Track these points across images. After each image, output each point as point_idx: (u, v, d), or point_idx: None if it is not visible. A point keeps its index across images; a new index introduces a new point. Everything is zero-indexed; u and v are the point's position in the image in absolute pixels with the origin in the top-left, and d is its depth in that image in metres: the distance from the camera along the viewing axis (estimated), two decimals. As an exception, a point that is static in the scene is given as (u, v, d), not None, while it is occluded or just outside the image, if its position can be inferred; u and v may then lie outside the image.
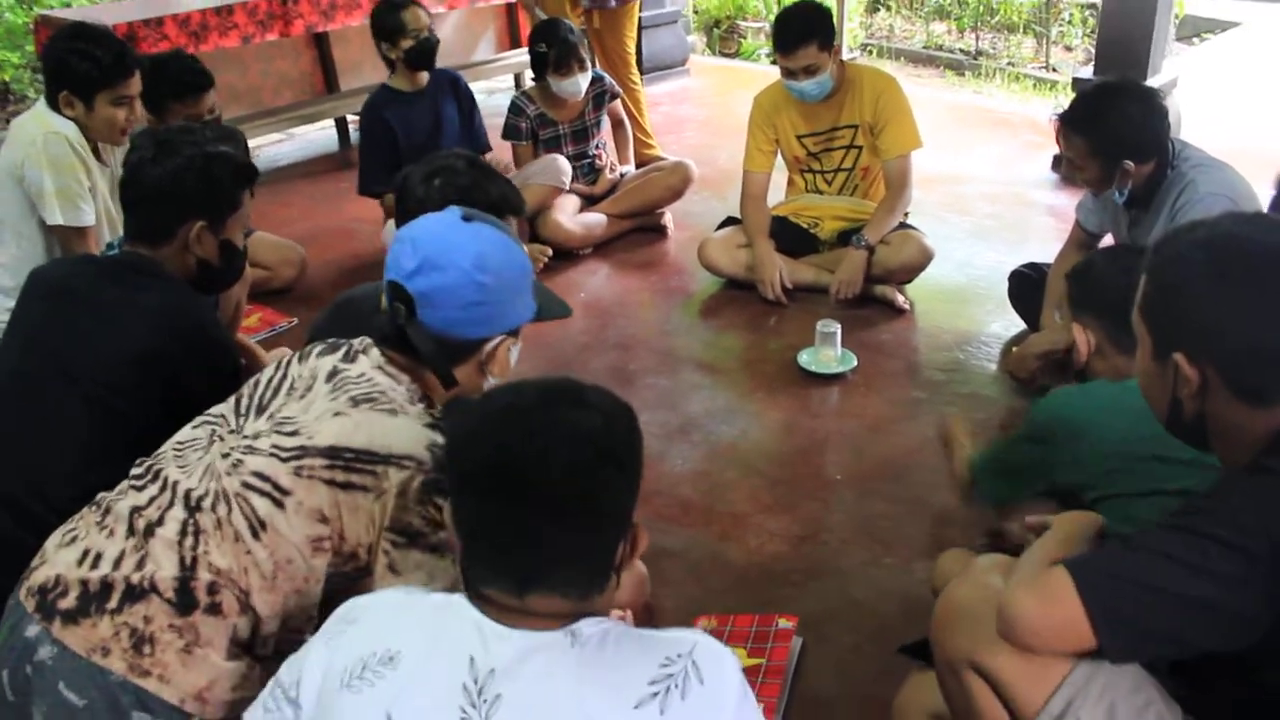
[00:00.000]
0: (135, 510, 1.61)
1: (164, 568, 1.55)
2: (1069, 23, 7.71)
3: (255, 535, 1.56)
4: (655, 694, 1.16)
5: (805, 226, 3.88)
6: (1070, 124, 2.81)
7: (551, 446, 1.19)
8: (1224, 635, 1.34)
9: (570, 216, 4.21)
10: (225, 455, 1.63)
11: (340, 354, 1.69)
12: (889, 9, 8.59)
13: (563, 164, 4.19)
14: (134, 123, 3.01)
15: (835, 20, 6.39)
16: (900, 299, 3.68)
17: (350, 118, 5.86)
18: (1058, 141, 2.90)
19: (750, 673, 2.11)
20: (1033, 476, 2.13)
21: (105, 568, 1.57)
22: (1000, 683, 1.48)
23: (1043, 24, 7.66)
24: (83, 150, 3.00)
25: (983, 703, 1.51)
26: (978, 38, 7.98)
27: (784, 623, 2.25)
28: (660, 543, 2.54)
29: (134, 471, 1.70)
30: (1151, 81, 4.69)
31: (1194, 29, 8.01)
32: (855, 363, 3.31)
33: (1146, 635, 1.36)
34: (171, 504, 1.60)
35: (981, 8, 8.03)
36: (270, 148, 5.82)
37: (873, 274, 3.66)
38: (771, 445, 3.02)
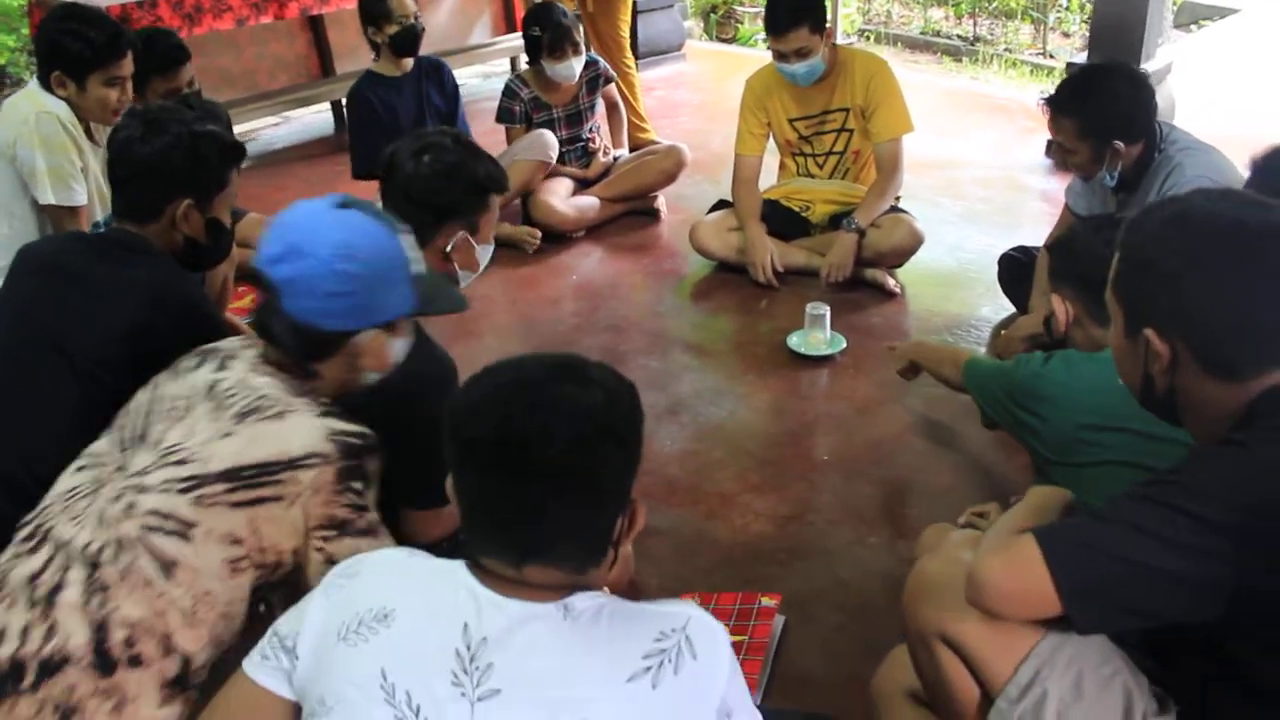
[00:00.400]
0: (33, 578, 1.52)
1: (75, 635, 1.47)
2: (1066, 9, 7.69)
3: (167, 575, 1.49)
4: (648, 668, 1.17)
5: (797, 210, 3.88)
6: (1058, 106, 2.81)
7: (554, 422, 1.19)
8: (1190, 606, 1.35)
9: (563, 199, 4.22)
10: (116, 499, 1.54)
11: (213, 364, 1.63)
12: (886, -6, 8.58)
13: (549, 138, 4.19)
14: (125, 103, 3.01)
15: (829, 4, 6.42)
16: (891, 282, 3.68)
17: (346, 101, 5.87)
18: (1049, 127, 2.90)
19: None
20: (1003, 419, 2.21)
21: (12, 644, 1.47)
22: (968, 653, 1.50)
23: (1040, 10, 7.64)
24: (74, 130, 3.00)
25: (951, 673, 1.53)
26: (975, 23, 7.97)
27: (767, 601, 2.27)
28: (647, 521, 2.55)
29: (21, 534, 1.61)
30: (1145, 67, 4.68)
31: (1192, 16, 7.99)
32: (844, 345, 3.33)
33: (1112, 605, 1.37)
34: (69, 564, 1.51)
35: (979, -7, 8.02)
36: (266, 131, 5.82)
37: (863, 257, 3.66)
38: (759, 426, 3.03)
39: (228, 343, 1.65)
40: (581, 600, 1.21)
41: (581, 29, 4.32)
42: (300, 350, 1.58)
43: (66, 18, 2.92)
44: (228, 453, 1.48)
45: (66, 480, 1.62)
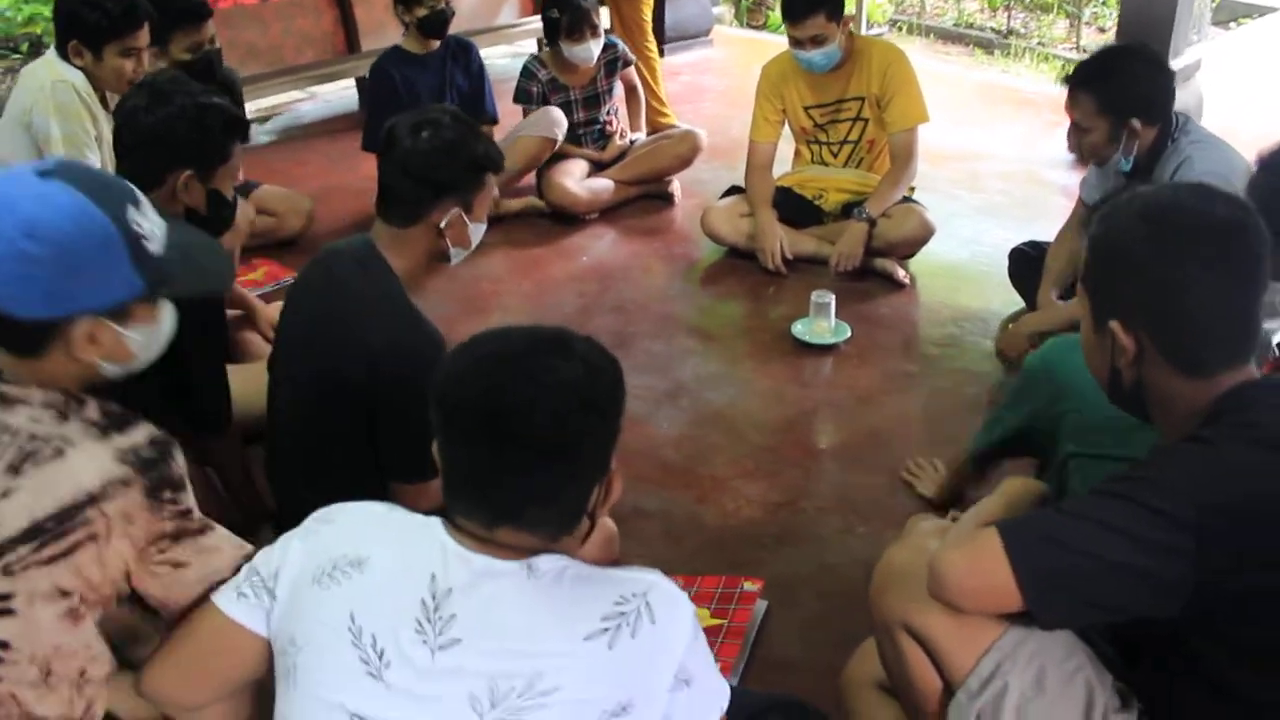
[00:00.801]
0: None
1: None
2: (1103, 3, 7.59)
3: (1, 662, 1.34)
4: (606, 629, 1.20)
5: (810, 198, 3.87)
6: (1079, 81, 2.77)
7: (535, 393, 1.22)
8: (1153, 602, 1.34)
9: (577, 181, 4.22)
10: None
11: None
12: (921, -15, 8.50)
13: (556, 115, 4.19)
14: (141, 74, 3.04)
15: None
16: (900, 273, 3.66)
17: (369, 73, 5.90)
18: (1066, 106, 2.84)
19: (711, 633, 2.13)
20: (1012, 416, 2.17)
21: None
22: (931, 644, 1.49)
23: (1075, 4, 7.54)
24: (89, 99, 3.04)
25: (914, 664, 1.52)
26: (1010, 16, 7.88)
27: (749, 585, 2.27)
28: (638, 503, 2.56)
29: None
30: (1174, 64, 4.62)
31: (1231, 13, 7.85)
32: (849, 334, 3.31)
33: (1075, 599, 1.36)
34: None
35: (1015, -15, 7.93)
36: (292, 106, 5.86)
37: (873, 247, 3.65)
38: (758, 412, 3.03)
39: None
40: (545, 561, 1.24)
41: (601, 11, 4.31)
42: (6, 345, 1.39)
43: None
44: (18, 511, 1.31)
45: None
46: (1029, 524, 1.43)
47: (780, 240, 3.72)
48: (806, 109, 3.79)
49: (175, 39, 3.45)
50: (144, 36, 3.01)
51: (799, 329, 3.33)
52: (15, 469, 1.31)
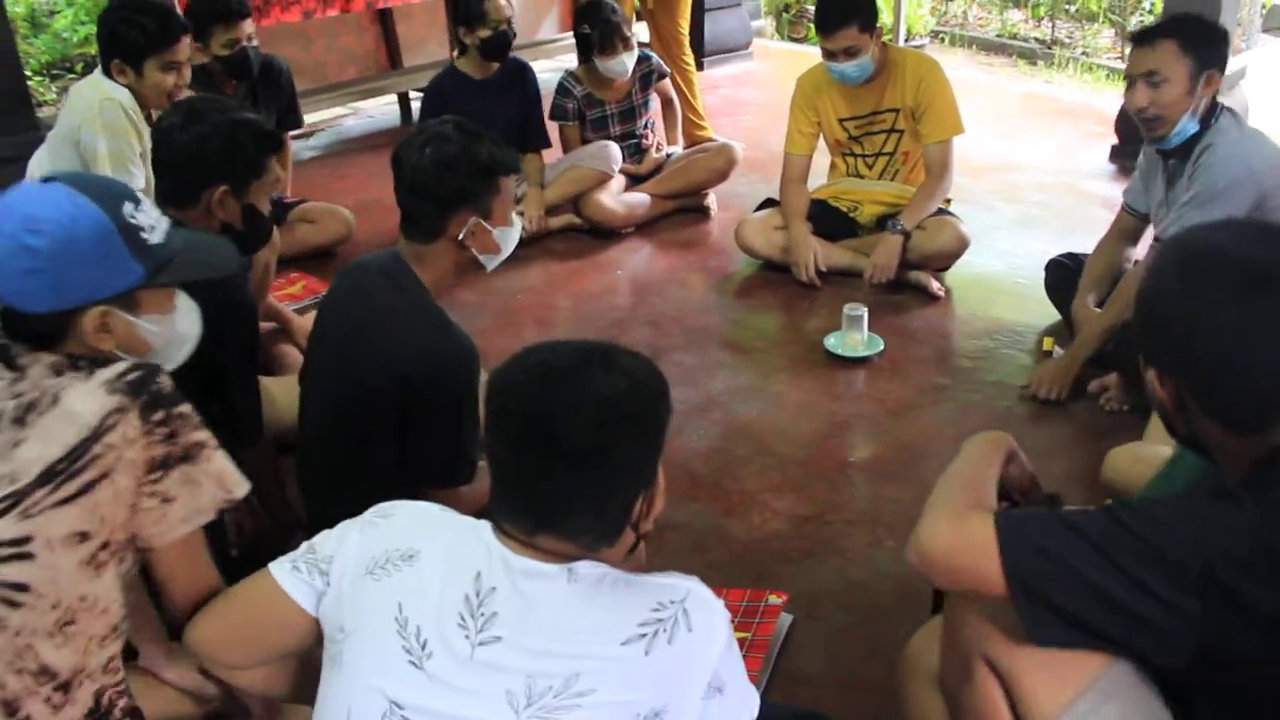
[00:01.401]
0: None
1: None
2: (1150, 12, 7.50)
3: (14, 605, 1.37)
4: (643, 635, 1.23)
5: (845, 210, 3.86)
6: (1157, 30, 2.74)
7: (577, 403, 1.25)
8: (1154, 649, 1.28)
9: (613, 196, 4.24)
10: None
11: None
12: (965, -4, 8.46)
13: (614, 151, 4.21)
14: (182, 88, 3.12)
15: (894, 5, 6.35)
16: (935, 285, 3.64)
17: (413, 94, 5.97)
18: (1134, 64, 2.75)
19: (735, 645, 2.13)
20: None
21: None
22: (1013, 681, 1.38)
23: (1121, 14, 7.47)
24: (135, 116, 3.12)
25: (988, 701, 1.41)
26: (1054, 26, 7.81)
27: (774, 599, 2.27)
28: (665, 515, 2.50)
29: None
30: (1217, 72, 4.56)
31: (1283, 20, 7.74)
32: (882, 346, 3.30)
33: (1059, 614, 1.29)
34: None
35: (1059, -5, 7.86)
36: (335, 122, 5.95)
37: (908, 259, 3.62)
38: (788, 426, 3.02)
39: None
40: (586, 566, 1.28)
41: (633, 25, 4.32)
42: (23, 339, 1.47)
43: (121, 6, 3.05)
44: (30, 458, 1.38)
45: None
46: (1030, 528, 1.32)
47: (814, 253, 3.72)
48: (841, 121, 3.79)
49: (214, 35, 3.64)
50: (183, 50, 3.09)
51: (832, 342, 3.33)
52: (20, 421, 1.39)
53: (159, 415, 1.43)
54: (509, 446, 1.29)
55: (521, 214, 4.06)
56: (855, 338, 3.30)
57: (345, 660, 1.31)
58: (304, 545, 1.43)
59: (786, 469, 2.81)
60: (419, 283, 2.14)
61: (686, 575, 1.32)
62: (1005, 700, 1.39)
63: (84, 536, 1.39)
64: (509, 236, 2.21)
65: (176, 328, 1.61)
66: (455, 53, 4.18)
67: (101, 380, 1.42)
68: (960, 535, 1.34)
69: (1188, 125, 2.74)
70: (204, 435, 1.48)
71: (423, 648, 1.26)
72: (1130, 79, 2.77)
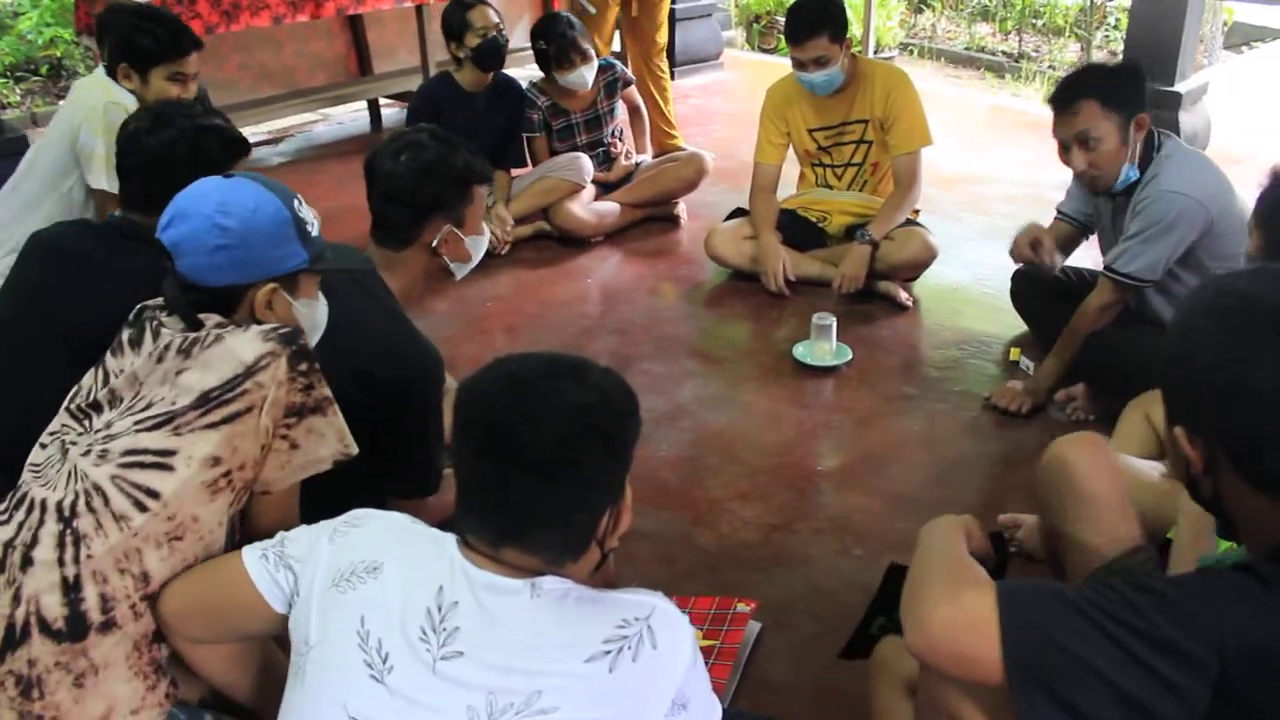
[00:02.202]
0: (7, 545, 1.53)
1: (45, 595, 1.48)
2: (1114, 27, 7.60)
3: (142, 509, 1.50)
4: (608, 651, 1.22)
5: (813, 220, 3.88)
6: (1072, 92, 2.75)
7: (543, 415, 1.25)
8: None
9: (583, 205, 4.24)
10: (86, 453, 1.57)
11: (148, 330, 1.68)
12: (933, 9, 8.53)
13: (586, 163, 4.21)
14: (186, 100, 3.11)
15: (863, 17, 6.39)
16: (903, 295, 3.67)
17: (383, 100, 5.95)
18: (1058, 130, 2.81)
19: (703, 654, 2.11)
20: None
21: None
22: None
23: (1086, 27, 7.56)
24: None
25: None
26: (1021, 40, 7.90)
27: (742, 606, 2.27)
28: (633, 524, 2.55)
29: None
30: (1180, 87, 4.64)
31: (1244, 37, 7.86)
32: (850, 356, 3.32)
33: (1060, 704, 1.18)
34: (43, 521, 1.53)
35: (1026, 10, 7.94)
36: (304, 128, 5.92)
37: (876, 269, 3.65)
38: (757, 435, 3.03)
39: (149, 319, 1.70)
40: (550, 582, 1.27)
41: (589, 35, 4.25)
42: (184, 306, 1.64)
43: (137, 14, 3.06)
44: (190, 384, 1.55)
45: (34, 455, 1.66)
46: (1031, 605, 1.23)
47: (783, 262, 3.73)
48: (810, 131, 3.81)
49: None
50: (192, 63, 3.08)
51: (800, 351, 3.34)
52: (186, 352, 1.59)
53: (304, 366, 1.59)
54: (475, 456, 1.28)
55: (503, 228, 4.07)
56: (824, 347, 3.32)
57: (308, 673, 1.31)
58: (277, 536, 1.45)
59: (755, 478, 2.81)
60: (387, 290, 2.13)
61: (651, 591, 1.32)
62: None
63: (217, 461, 1.54)
64: (479, 245, 2.21)
65: (317, 314, 1.82)
66: (453, 65, 4.15)
67: (259, 331, 1.60)
68: (958, 611, 1.24)
69: (1129, 173, 2.79)
70: (330, 393, 1.63)
71: (384, 661, 1.25)
72: (1062, 143, 2.81)
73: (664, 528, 2.61)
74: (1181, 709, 1.14)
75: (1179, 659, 1.13)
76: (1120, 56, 7.38)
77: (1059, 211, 3.21)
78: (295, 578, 1.38)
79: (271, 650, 1.62)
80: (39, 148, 3.21)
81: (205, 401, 1.54)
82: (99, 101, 3.03)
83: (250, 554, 1.43)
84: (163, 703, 1.54)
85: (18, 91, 6.72)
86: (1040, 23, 7.90)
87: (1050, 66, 7.39)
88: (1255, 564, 1.20)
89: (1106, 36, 7.62)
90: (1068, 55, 7.60)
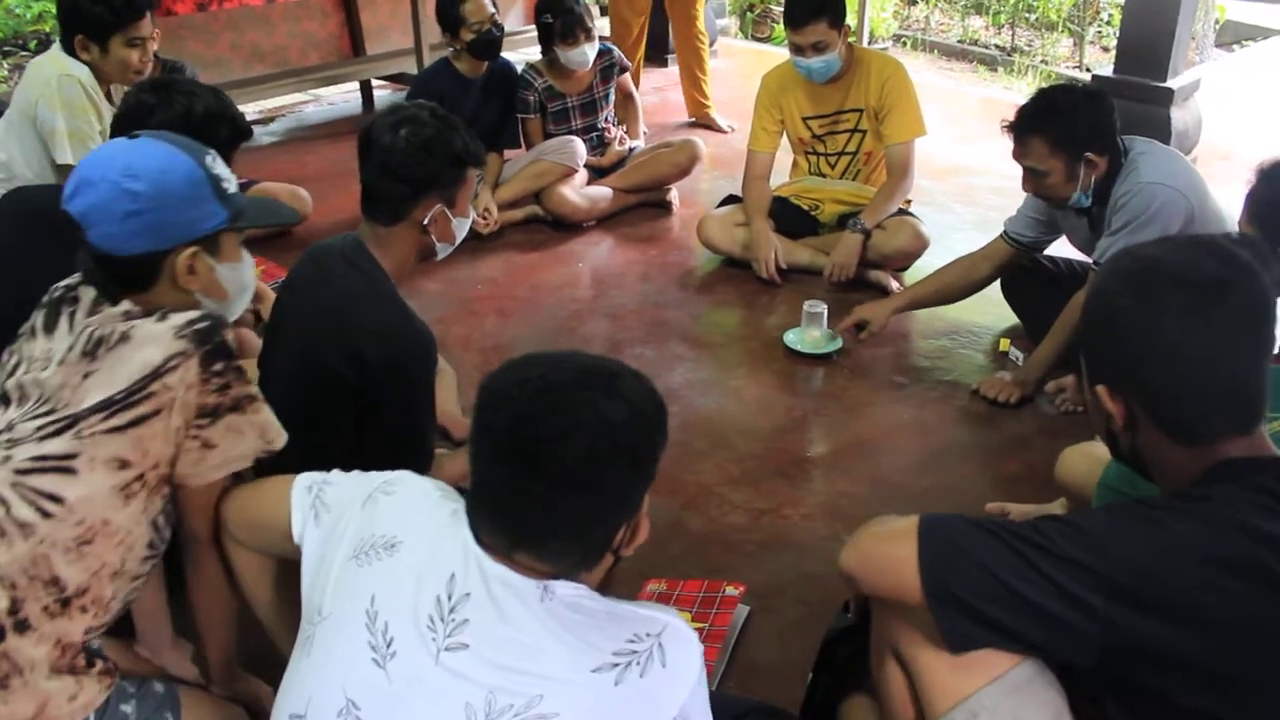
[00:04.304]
0: None
1: None
2: (1107, 23, 7.61)
3: (45, 515, 1.47)
4: (616, 664, 1.20)
5: (806, 208, 3.89)
6: (1024, 128, 2.79)
7: (570, 429, 1.20)
8: (1071, 650, 1.29)
9: (575, 190, 4.23)
10: None
11: (62, 315, 1.61)
12: (927, 2, 8.53)
13: (579, 147, 4.21)
14: (146, 64, 3.08)
15: (858, 8, 6.40)
16: (894, 285, 3.67)
17: (376, 82, 5.93)
18: (1015, 154, 2.86)
19: (692, 635, 2.14)
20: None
21: None
22: (916, 677, 1.44)
23: (1079, 22, 7.57)
24: (95, 93, 3.07)
25: (894, 688, 1.49)
26: (1014, 34, 7.91)
27: (731, 590, 2.28)
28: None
29: None
30: (1172, 83, 4.65)
31: (1235, 35, 7.88)
32: (841, 344, 3.33)
33: (976, 620, 1.31)
34: None
35: (1020, 4, 7.95)
36: (296, 108, 5.89)
37: (868, 258, 3.66)
38: (747, 420, 3.04)
39: (60, 293, 1.63)
40: (563, 587, 1.24)
41: (594, 14, 4.29)
42: (116, 283, 1.57)
43: None
44: (94, 388, 1.49)
45: None
46: (950, 526, 1.36)
47: (775, 250, 3.74)
48: (805, 119, 3.81)
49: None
50: (147, 25, 3.04)
51: (791, 338, 3.35)
52: (92, 355, 1.52)
53: (219, 365, 1.53)
54: (492, 460, 1.25)
55: (485, 211, 4.06)
56: (814, 334, 3.32)
57: (315, 646, 1.29)
58: (327, 475, 1.49)
59: (744, 463, 2.82)
60: (379, 267, 2.13)
61: (664, 607, 1.30)
62: (909, 691, 1.46)
63: (124, 464, 1.50)
64: (464, 228, 2.21)
65: (244, 275, 1.72)
66: (450, 52, 4.15)
67: (171, 325, 1.53)
68: (885, 530, 1.41)
69: (1081, 199, 2.82)
70: (253, 389, 1.58)
71: (388, 645, 1.23)
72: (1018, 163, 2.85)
73: (654, 511, 2.55)
74: (1081, 618, 1.25)
75: (1078, 570, 1.25)
76: (1110, 53, 7.42)
77: (1005, 232, 3.21)
78: (317, 518, 1.42)
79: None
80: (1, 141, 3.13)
81: (106, 407, 1.49)
82: (52, 76, 3.00)
83: (299, 485, 1.47)
84: (101, 683, 1.52)
85: (5, 66, 6.66)
86: (1034, 17, 7.90)
87: (1043, 61, 7.40)
88: (1158, 504, 1.32)
89: (1099, 32, 7.63)
90: (1060, 50, 7.61)
